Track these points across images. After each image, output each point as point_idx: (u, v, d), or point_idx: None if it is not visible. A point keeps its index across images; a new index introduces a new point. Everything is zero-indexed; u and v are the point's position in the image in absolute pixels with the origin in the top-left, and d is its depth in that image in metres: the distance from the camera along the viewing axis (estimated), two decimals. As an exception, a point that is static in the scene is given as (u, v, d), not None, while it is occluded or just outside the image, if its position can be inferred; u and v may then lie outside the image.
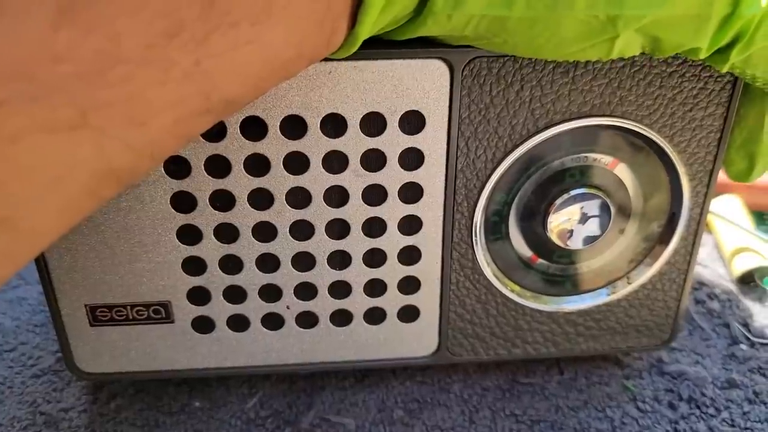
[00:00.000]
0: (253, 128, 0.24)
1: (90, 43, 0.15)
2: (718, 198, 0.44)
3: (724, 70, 0.23)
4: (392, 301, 0.29)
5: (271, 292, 0.28)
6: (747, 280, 0.39)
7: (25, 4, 0.14)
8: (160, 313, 0.28)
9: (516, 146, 0.26)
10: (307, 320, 0.29)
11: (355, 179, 0.25)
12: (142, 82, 0.16)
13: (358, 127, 0.24)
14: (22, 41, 0.14)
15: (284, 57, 0.19)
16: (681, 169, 0.27)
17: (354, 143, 0.25)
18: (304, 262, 0.27)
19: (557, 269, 0.30)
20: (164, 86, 0.16)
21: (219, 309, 0.28)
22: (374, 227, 0.27)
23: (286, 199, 0.26)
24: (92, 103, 0.15)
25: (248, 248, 0.26)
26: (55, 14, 0.14)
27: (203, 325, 0.28)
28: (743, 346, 0.35)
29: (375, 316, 0.29)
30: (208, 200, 0.25)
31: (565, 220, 0.27)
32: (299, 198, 0.26)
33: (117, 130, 0.16)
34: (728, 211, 0.43)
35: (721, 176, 0.28)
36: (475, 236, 0.27)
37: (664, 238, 0.29)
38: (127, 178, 0.17)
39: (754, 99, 0.26)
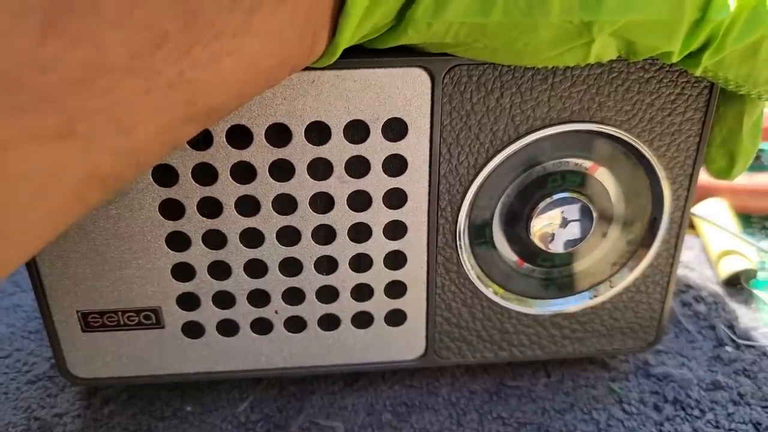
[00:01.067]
0: (239, 136, 0.25)
1: (76, 53, 0.15)
2: (704, 201, 0.44)
3: (697, 73, 0.24)
4: (379, 305, 0.29)
5: (259, 297, 0.28)
6: (733, 283, 0.39)
7: (11, 17, 0.14)
8: (150, 318, 0.28)
9: (497, 152, 0.26)
10: (296, 325, 0.29)
11: (339, 185, 0.26)
12: (127, 90, 0.16)
13: (342, 134, 0.25)
14: (9, 53, 0.14)
15: (266, 66, 0.19)
16: (661, 173, 0.28)
17: (338, 150, 0.25)
18: (292, 267, 0.28)
19: (542, 273, 0.30)
20: (148, 95, 0.16)
21: (208, 314, 0.28)
22: (360, 232, 0.27)
23: (272, 206, 0.26)
24: (79, 112, 0.15)
25: (236, 254, 0.27)
26: (41, 26, 0.15)
27: (193, 330, 0.29)
28: (729, 349, 0.35)
29: (362, 320, 0.29)
30: (195, 207, 0.26)
31: (547, 224, 0.28)
32: (285, 204, 0.26)
33: (103, 137, 0.16)
34: (714, 215, 0.43)
35: (709, 180, 0.28)
36: (460, 240, 0.28)
37: (646, 241, 0.29)
38: (113, 185, 0.18)
39: (733, 99, 0.26)
